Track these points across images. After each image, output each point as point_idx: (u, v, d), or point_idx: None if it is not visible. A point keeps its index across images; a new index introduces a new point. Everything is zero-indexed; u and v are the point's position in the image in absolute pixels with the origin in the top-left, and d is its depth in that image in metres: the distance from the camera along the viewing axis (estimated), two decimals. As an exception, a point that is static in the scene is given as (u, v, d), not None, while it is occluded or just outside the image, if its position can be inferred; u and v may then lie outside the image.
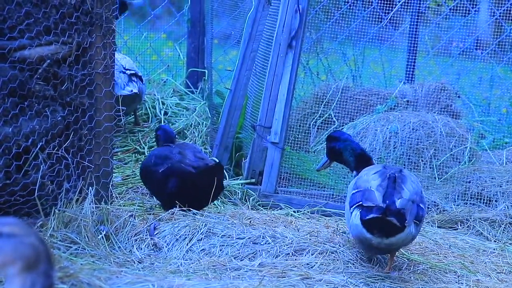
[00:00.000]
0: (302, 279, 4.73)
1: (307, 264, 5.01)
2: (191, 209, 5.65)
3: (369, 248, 5.05)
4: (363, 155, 5.41)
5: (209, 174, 5.68)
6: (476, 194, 6.49)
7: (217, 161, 5.81)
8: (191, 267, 4.92)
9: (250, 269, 4.89)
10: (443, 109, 7.59)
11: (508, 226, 6.12)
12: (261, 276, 4.75)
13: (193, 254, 5.13)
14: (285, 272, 4.82)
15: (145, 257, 5.09)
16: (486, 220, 6.18)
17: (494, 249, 5.75)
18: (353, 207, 4.98)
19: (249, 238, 5.26)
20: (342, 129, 7.34)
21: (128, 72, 7.09)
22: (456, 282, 4.99)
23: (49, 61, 5.11)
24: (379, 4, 8.21)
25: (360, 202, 4.93)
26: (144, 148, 7.40)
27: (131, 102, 7.21)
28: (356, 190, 5.03)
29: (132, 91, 6.98)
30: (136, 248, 5.20)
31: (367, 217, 4.81)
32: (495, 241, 5.99)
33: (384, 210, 4.78)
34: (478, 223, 6.16)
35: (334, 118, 7.61)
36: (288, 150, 6.89)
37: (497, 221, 6.16)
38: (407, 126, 7.04)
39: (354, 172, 5.39)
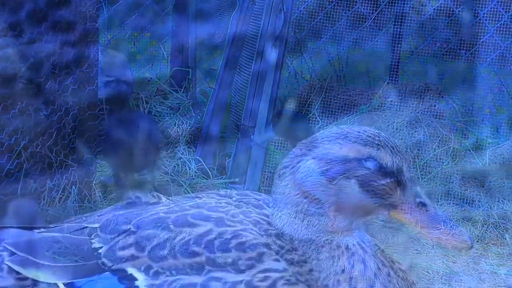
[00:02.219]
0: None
1: (290, 263, 5.01)
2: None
3: None
4: None
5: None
6: (459, 194, 6.51)
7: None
8: (174, 266, 4.91)
9: (233, 269, 4.89)
10: (426, 109, 7.61)
11: (491, 227, 6.15)
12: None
13: (177, 253, 5.13)
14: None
15: (128, 256, 5.08)
16: (468, 220, 6.20)
17: (476, 249, 5.77)
18: None
19: (233, 237, 5.26)
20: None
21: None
22: (439, 282, 5.00)
23: (32, 59, 5.09)
24: (363, 4, 8.22)
25: None
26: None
27: None
28: None
29: None
30: (119, 247, 5.19)
31: None
32: (477, 241, 6.01)
33: None
34: (460, 223, 6.18)
35: (318, 118, 7.62)
36: (272, 149, 6.89)
37: (479, 221, 6.18)
38: (391, 126, 7.06)
39: None
